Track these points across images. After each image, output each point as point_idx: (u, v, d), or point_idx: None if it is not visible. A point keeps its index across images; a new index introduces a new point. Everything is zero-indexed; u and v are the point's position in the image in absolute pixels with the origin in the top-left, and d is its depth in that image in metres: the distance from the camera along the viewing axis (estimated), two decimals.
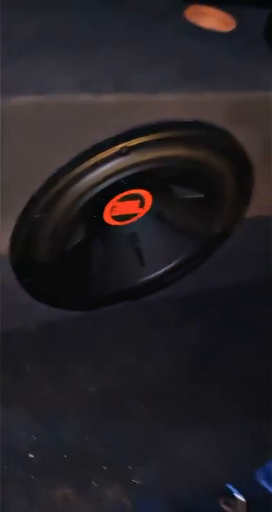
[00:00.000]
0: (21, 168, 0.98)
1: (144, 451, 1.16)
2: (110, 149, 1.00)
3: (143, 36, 1.11)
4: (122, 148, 1.01)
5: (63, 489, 1.07)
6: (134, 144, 1.01)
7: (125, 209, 1.17)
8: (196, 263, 1.29)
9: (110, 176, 1.03)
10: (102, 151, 1.00)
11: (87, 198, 1.04)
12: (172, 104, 1.01)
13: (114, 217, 1.18)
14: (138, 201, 1.17)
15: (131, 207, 1.17)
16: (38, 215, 1.03)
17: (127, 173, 1.04)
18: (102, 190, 1.05)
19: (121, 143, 1.00)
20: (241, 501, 0.85)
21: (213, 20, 1.21)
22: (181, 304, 1.42)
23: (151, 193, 1.16)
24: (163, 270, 1.28)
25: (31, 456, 1.10)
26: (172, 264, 1.27)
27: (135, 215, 1.19)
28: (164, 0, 1.23)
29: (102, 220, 1.16)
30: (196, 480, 1.11)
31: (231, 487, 0.87)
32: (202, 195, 1.16)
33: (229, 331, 1.45)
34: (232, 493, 0.87)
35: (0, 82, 0.89)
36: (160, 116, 1.01)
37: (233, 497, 0.86)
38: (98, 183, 1.03)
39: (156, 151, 1.04)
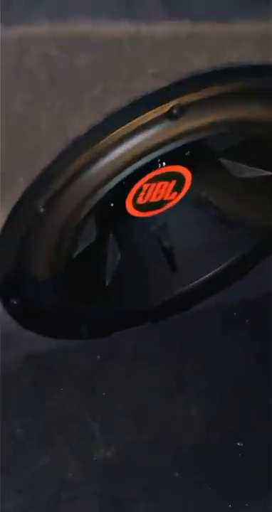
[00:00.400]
0: (23, 137, 0.69)
1: None
2: (154, 109, 0.71)
3: None
4: (173, 107, 0.71)
5: None
6: (191, 100, 0.71)
7: (155, 194, 0.85)
8: (248, 267, 0.98)
9: (153, 148, 0.73)
10: (144, 111, 0.70)
11: (113, 183, 0.74)
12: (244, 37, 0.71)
13: (139, 206, 0.85)
14: (173, 182, 0.84)
15: (162, 191, 0.85)
16: (41, 209, 0.72)
17: (178, 144, 0.74)
18: (135, 170, 0.74)
19: (172, 99, 0.71)
20: None
21: None
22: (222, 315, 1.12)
23: (191, 171, 0.84)
24: (203, 279, 0.97)
25: None
26: (216, 270, 0.95)
27: (167, 202, 0.88)
28: None
29: (123, 210, 0.84)
30: None
31: None
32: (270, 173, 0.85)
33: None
34: None
35: None
36: (226, 56, 0.71)
37: None
38: (134, 160, 0.73)
39: (221, 112, 0.74)
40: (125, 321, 1.01)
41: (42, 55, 0.62)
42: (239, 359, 1.10)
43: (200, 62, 0.71)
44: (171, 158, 0.80)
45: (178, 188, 0.86)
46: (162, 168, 0.82)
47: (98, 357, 1.03)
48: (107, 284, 0.92)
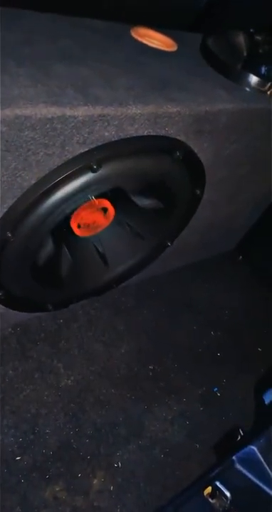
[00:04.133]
0: None
1: (123, 434, 1.07)
2: (81, 165, 0.84)
3: (101, 52, 0.94)
4: (93, 164, 0.84)
5: (52, 486, 0.94)
6: (105, 159, 0.85)
7: (91, 220, 1.01)
8: (148, 262, 1.20)
9: (81, 190, 0.87)
10: (74, 167, 0.83)
11: (57, 212, 0.88)
12: (139, 117, 0.86)
13: (81, 228, 1.01)
14: (102, 212, 1.01)
15: (96, 217, 1.02)
16: (9, 234, 0.85)
17: (97, 187, 0.88)
18: (71, 204, 0.89)
19: (92, 159, 0.84)
20: (225, 493, 0.80)
21: (157, 41, 1.10)
22: (136, 290, 1.33)
23: (113, 204, 1.01)
24: (122, 269, 1.16)
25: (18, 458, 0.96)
26: (130, 263, 1.16)
27: (100, 225, 1.04)
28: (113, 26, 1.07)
29: (70, 231, 1.00)
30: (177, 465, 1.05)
31: (218, 483, 0.80)
32: (162, 205, 1.03)
33: (176, 311, 1.40)
34: (216, 485, 0.80)
35: None
36: (126, 129, 0.85)
37: (218, 488, 0.80)
38: (69, 198, 0.86)
39: (125, 165, 0.89)
40: (77, 297, 1.17)
41: None
42: (152, 320, 1.32)
43: (109, 134, 0.84)
44: (98, 195, 0.94)
45: (106, 215, 1.03)
46: (93, 201, 0.95)
47: (61, 321, 1.21)
48: (63, 276, 1.07)
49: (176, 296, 1.43)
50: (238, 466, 0.88)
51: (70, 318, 1.23)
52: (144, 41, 1.06)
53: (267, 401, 1.20)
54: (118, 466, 1.01)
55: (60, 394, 1.09)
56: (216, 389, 1.26)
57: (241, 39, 1.13)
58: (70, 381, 1.12)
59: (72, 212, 0.95)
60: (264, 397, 1.23)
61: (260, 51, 1.09)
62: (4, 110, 0.69)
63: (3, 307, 1.03)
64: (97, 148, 0.82)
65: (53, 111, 0.73)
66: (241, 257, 1.60)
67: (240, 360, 1.35)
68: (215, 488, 0.79)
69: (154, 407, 1.15)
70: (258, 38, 1.13)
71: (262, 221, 1.51)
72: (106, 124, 0.81)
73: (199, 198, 1.08)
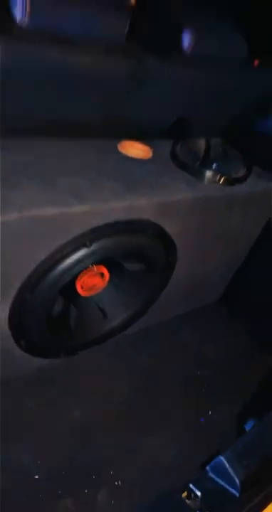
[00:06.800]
0: (13, 264, 1.03)
1: (120, 456, 1.21)
2: (77, 244, 1.08)
3: (94, 165, 1.22)
4: (86, 242, 1.10)
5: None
6: (94, 238, 1.11)
7: (91, 283, 1.25)
8: (140, 314, 1.42)
9: (79, 261, 1.11)
10: (73, 245, 1.08)
11: (64, 278, 1.12)
12: (118, 209, 1.12)
13: (84, 289, 1.25)
14: (100, 276, 1.26)
15: (95, 280, 1.26)
16: (28, 296, 1.08)
17: (91, 258, 1.13)
18: (74, 271, 1.13)
19: (85, 239, 1.09)
20: (198, 494, 0.93)
21: (137, 150, 1.39)
22: (133, 338, 1.51)
23: (108, 269, 1.26)
24: (119, 321, 1.38)
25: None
26: (124, 316, 1.38)
27: (99, 286, 1.27)
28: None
29: (76, 292, 1.23)
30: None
31: (191, 485, 0.94)
32: (144, 268, 1.28)
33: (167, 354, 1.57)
34: (191, 488, 0.93)
35: None
36: (111, 218, 1.12)
37: (193, 491, 0.94)
38: (71, 267, 1.11)
39: (110, 242, 1.14)
40: (84, 345, 1.38)
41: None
42: (147, 362, 1.49)
43: (96, 222, 1.09)
44: (96, 263, 1.18)
45: (103, 278, 1.26)
46: (92, 268, 1.20)
47: (70, 364, 1.38)
48: (71, 328, 1.30)
49: (168, 341, 1.61)
50: (211, 474, 1.02)
51: (77, 362, 1.42)
52: (128, 153, 1.35)
53: (247, 429, 1.32)
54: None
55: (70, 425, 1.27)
56: (202, 419, 1.40)
57: (200, 144, 1.41)
58: (78, 412, 1.30)
59: (76, 277, 1.20)
60: (245, 426, 1.35)
61: (213, 152, 1.37)
62: (23, 212, 0.97)
63: (26, 354, 1.25)
64: (89, 232, 1.10)
65: (56, 210, 1.01)
66: (225, 307, 1.78)
67: (223, 395, 1.48)
68: (190, 491, 0.93)
69: (150, 434, 1.30)
70: (212, 142, 1.41)
71: (239, 277, 1.70)
72: (94, 215, 1.09)
73: (173, 263, 1.31)
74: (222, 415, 1.43)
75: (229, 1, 1.54)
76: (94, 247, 1.11)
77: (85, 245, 1.10)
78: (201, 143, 1.43)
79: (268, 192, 1.45)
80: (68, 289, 1.20)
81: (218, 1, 1.39)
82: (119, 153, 1.35)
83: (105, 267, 1.25)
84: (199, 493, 0.96)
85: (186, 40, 1.25)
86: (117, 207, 1.11)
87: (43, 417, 1.25)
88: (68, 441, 1.22)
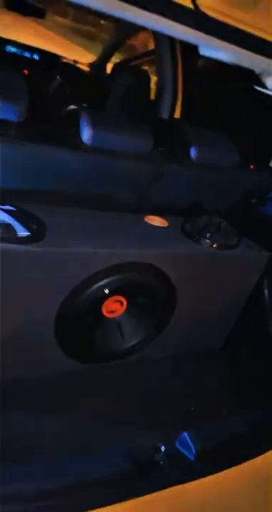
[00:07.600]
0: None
1: None
2: (99, 275, 1.56)
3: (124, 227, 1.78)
4: (103, 286, 1.60)
5: None
6: (111, 273, 1.60)
7: (113, 307, 1.73)
8: (150, 339, 1.86)
9: (100, 288, 1.61)
10: (96, 276, 1.58)
11: (90, 299, 1.62)
12: (131, 254, 1.64)
13: (108, 312, 1.73)
14: (119, 302, 1.72)
15: (116, 306, 1.74)
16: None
17: (109, 287, 1.63)
18: (102, 295, 1.65)
19: (104, 272, 1.59)
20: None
21: (158, 221, 1.97)
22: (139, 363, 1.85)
23: (125, 298, 1.72)
24: (134, 342, 1.83)
25: None
26: (138, 338, 1.83)
27: (118, 310, 1.74)
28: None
29: (102, 314, 1.69)
30: None
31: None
32: (149, 300, 1.77)
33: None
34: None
35: None
36: (124, 259, 1.62)
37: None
38: (96, 291, 1.61)
39: (123, 276, 1.64)
40: (106, 358, 1.79)
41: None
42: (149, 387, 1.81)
43: (113, 261, 1.63)
44: (117, 292, 1.66)
45: (122, 305, 1.74)
46: (114, 297, 1.66)
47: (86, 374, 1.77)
48: (97, 341, 1.76)
49: (170, 371, 1.93)
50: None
51: (94, 373, 1.75)
52: (150, 222, 1.93)
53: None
54: None
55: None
56: None
57: (203, 220, 1.95)
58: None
59: (103, 302, 1.69)
60: None
61: (212, 227, 1.89)
62: (63, 249, 1.56)
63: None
64: (108, 268, 1.57)
65: (87, 250, 1.53)
66: (226, 352, 2.12)
67: None
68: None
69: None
70: (213, 219, 1.94)
71: (239, 325, 2.07)
72: (113, 256, 1.57)
73: (172, 301, 1.78)
74: None
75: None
76: (111, 278, 1.61)
77: (105, 277, 1.60)
78: (205, 219, 1.96)
79: (256, 257, 1.90)
80: (96, 310, 1.68)
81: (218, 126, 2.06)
82: (145, 222, 1.94)
83: (124, 296, 1.73)
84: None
85: (193, 152, 1.89)
86: (129, 253, 1.64)
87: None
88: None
